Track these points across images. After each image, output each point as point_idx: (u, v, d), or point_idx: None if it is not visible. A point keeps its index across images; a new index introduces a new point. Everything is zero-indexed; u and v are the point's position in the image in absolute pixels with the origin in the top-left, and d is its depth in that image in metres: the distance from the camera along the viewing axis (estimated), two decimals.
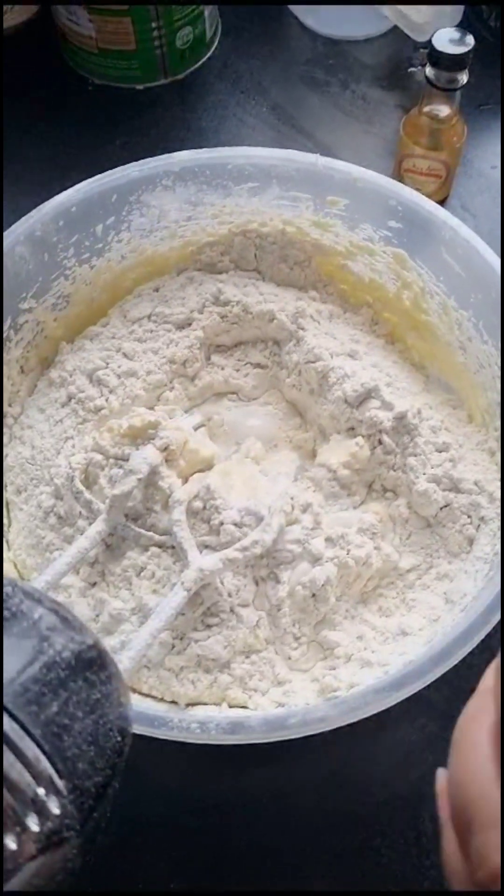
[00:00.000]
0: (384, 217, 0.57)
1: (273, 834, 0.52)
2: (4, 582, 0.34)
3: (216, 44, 0.82)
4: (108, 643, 0.49)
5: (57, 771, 0.31)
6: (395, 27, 0.79)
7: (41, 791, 0.30)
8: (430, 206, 0.55)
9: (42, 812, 0.30)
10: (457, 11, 0.74)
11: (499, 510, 0.51)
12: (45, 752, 0.30)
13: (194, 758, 0.53)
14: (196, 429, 0.57)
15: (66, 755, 0.31)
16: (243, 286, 0.60)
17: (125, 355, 0.58)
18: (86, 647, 0.34)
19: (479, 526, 0.52)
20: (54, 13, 0.77)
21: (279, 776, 0.54)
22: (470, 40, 0.61)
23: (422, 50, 0.80)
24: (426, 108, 0.66)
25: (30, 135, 0.77)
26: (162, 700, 0.49)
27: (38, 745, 0.30)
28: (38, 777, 0.30)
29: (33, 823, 0.30)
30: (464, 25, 0.75)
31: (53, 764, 0.31)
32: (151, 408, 0.57)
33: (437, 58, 0.62)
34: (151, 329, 0.59)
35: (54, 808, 0.30)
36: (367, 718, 0.43)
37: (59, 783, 0.31)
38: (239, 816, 0.52)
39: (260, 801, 0.53)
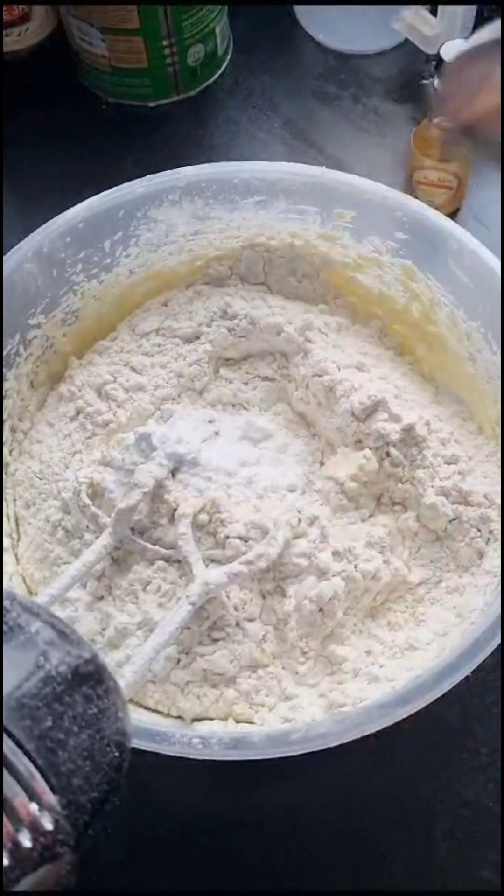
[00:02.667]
0: (391, 229, 0.56)
1: (282, 851, 0.52)
2: (4, 595, 0.34)
3: (228, 60, 0.82)
4: (114, 657, 0.49)
5: (50, 786, 0.30)
6: (407, 41, 0.79)
7: (34, 807, 0.30)
8: (437, 217, 0.55)
9: (35, 828, 0.30)
10: (468, 22, 0.74)
11: None
12: (38, 768, 0.30)
13: (203, 775, 0.52)
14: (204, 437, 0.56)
15: (61, 770, 0.31)
16: (251, 299, 0.60)
17: (133, 369, 0.58)
18: (83, 662, 0.33)
19: (488, 539, 0.51)
20: (68, 33, 0.78)
21: (290, 793, 0.53)
22: None
23: (433, 62, 0.80)
24: (436, 120, 0.66)
25: (45, 152, 0.78)
26: (168, 715, 0.49)
27: (32, 761, 0.30)
28: (31, 792, 0.30)
29: (26, 839, 0.30)
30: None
31: (47, 779, 0.30)
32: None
33: (445, 69, 0.62)
34: (159, 343, 0.59)
35: (47, 823, 0.30)
36: (378, 735, 0.43)
37: (53, 799, 0.30)
38: (248, 833, 0.52)
39: (270, 819, 0.52)
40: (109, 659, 0.49)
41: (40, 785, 0.30)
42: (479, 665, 0.43)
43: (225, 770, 0.50)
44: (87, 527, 0.52)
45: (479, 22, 0.75)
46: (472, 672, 0.44)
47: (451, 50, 0.61)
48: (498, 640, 0.43)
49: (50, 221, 0.56)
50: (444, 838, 0.52)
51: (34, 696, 0.31)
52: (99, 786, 0.32)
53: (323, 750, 0.42)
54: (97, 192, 0.57)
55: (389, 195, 0.56)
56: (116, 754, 0.33)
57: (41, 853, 0.30)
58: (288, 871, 0.51)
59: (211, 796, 0.52)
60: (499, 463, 0.54)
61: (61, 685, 0.32)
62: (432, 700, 0.42)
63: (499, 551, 0.50)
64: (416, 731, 0.52)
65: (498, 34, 0.48)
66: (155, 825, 0.52)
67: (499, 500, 0.52)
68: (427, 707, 0.43)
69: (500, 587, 0.47)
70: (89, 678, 0.33)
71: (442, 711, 0.54)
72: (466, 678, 0.44)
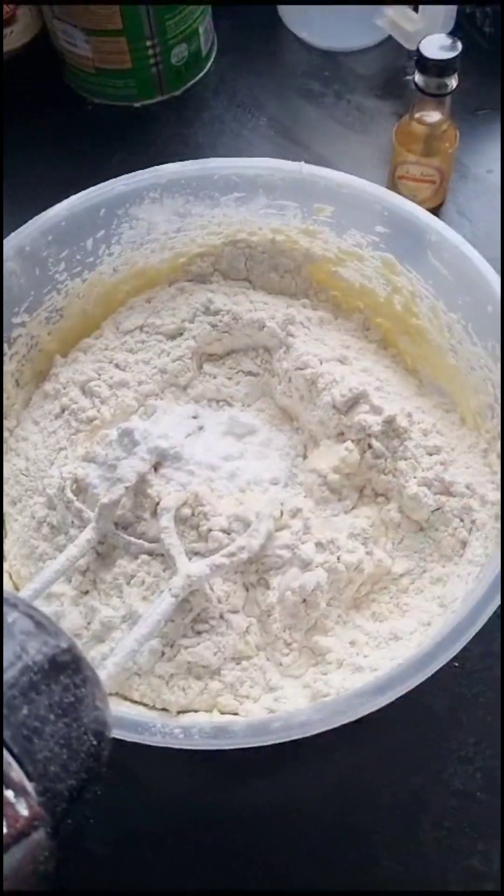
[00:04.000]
0: (371, 222, 0.57)
1: (274, 843, 0.52)
2: None
3: (212, 60, 0.83)
4: (100, 651, 0.49)
5: (26, 773, 0.31)
6: (390, 37, 0.79)
7: (10, 793, 0.30)
8: (416, 210, 0.55)
9: (11, 814, 0.30)
10: (449, 19, 0.74)
11: (490, 513, 0.51)
12: (14, 755, 0.31)
13: (193, 770, 0.53)
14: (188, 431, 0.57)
15: (37, 758, 0.31)
16: (233, 295, 0.60)
17: (117, 366, 0.58)
18: (60, 651, 0.34)
19: (471, 529, 0.51)
20: (52, 35, 0.78)
21: (279, 786, 0.53)
22: (458, 45, 0.61)
23: (415, 58, 0.81)
24: (417, 115, 0.66)
25: (30, 154, 0.78)
26: (153, 708, 0.49)
27: (7, 748, 0.31)
28: (7, 780, 0.30)
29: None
30: (457, 32, 0.75)
31: (23, 766, 0.31)
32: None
33: (425, 64, 0.62)
34: (143, 340, 0.59)
35: (23, 810, 0.30)
36: (365, 727, 0.43)
37: (29, 786, 0.31)
38: (238, 828, 0.52)
39: (261, 811, 0.53)
40: (95, 652, 0.49)
41: (16, 772, 0.30)
42: (465, 655, 0.44)
43: (214, 765, 0.51)
44: (73, 522, 0.52)
45: (461, 17, 0.75)
46: (459, 662, 0.44)
47: (431, 45, 0.62)
48: (478, 628, 0.43)
49: (31, 220, 0.56)
50: (433, 828, 0.52)
51: (11, 686, 0.32)
52: (76, 774, 0.32)
53: (311, 743, 0.42)
54: None
55: (368, 189, 0.56)
56: (94, 742, 0.33)
57: (17, 840, 0.30)
58: (278, 865, 0.51)
59: (200, 791, 0.53)
60: (481, 453, 0.54)
61: (38, 674, 0.32)
62: (413, 687, 0.42)
63: (481, 540, 0.50)
64: (403, 722, 0.53)
65: None
66: (144, 821, 0.52)
67: (480, 490, 0.52)
68: (414, 698, 0.43)
69: (479, 576, 0.47)
70: (66, 667, 0.33)
71: (429, 702, 0.54)
72: (453, 668, 0.44)
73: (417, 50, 0.62)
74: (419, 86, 0.64)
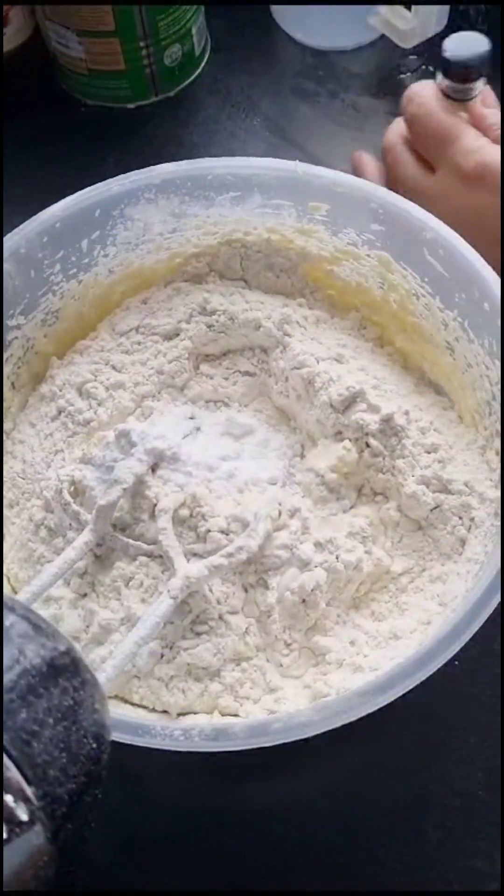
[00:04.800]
0: (366, 221, 0.57)
1: (275, 844, 0.52)
2: None
3: (206, 60, 0.83)
4: (99, 654, 0.49)
5: (25, 777, 0.30)
6: (383, 36, 0.79)
7: (9, 798, 0.30)
8: (410, 207, 0.55)
9: (10, 819, 0.30)
10: (442, 17, 0.74)
11: (489, 510, 0.51)
12: (12, 759, 0.30)
13: (194, 773, 0.53)
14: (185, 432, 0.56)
15: (36, 761, 0.31)
16: (229, 295, 0.60)
17: (114, 367, 0.58)
18: (58, 654, 0.33)
19: (469, 527, 0.51)
20: (45, 37, 0.78)
21: (281, 788, 0.53)
22: (484, 43, 0.58)
23: (410, 57, 0.81)
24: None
25: (25, 157, 0.78)
26: (153, 710, 0.49)
27: (6, 752, 0.30)
28: (6, 784, 0.30)
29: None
30: (450, 30, 0.75)
31: (21, 770, 0.30)
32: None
33: (449, 66, 0.59)
34: (139, 341, 0.59)
35: (22, 814, 0.30)
36: (367, 726, 0.42)
37: (28, 790, 0.30)
38: (239, 828, 0.52)
39: (261, 813, 0.53)
40: (94, 655, 0.49)
41: (15, 776, 0.30)
42: (465, 654, 0.44)
43: (214, 767, 0.50)
44: (70, 525, 0.52)
45: (454, 15, 0.75)
46: (459, 661, 0.44)
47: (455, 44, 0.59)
48: (478, 626, 0.43)
49: (26, 222, 0.56)
50: (436, 829, 0.52)
51: (10, 689, 0.31)
52: (76, 777, 0.32)
53: (312, 744, 0.42)
54: None
55: (362, 187, 0.56)
56: (94, 746, 0.33)
57: (16, 844, 0.30)
58: (280, 866, 0.51)
59: (201, 794, 0.53)
60: (479, 450, 0.54)
61: (36, 677, 0.32)
62: (413, 686, 0.42)
63: (480, 538, 0.50)
64: (403, 721, 0.53)
65: None
66: (146, 825, 0.52)
67: (479, 488, 0.52)
68: (415, 697, 0.43)
69: (479, 574, 0.47)
70: (65, 670, 0.33)
71: (429, 701, 0.54)
72: (454, 667, 0.44)
73: (432, 53, 0.60)
74: (446, 92, 0.61)
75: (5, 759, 0.30)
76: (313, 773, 0.53)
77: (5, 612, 0.34)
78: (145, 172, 0.57)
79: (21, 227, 0.56)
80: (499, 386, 0.51)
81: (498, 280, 0.51)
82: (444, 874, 0.51)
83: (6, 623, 0.34)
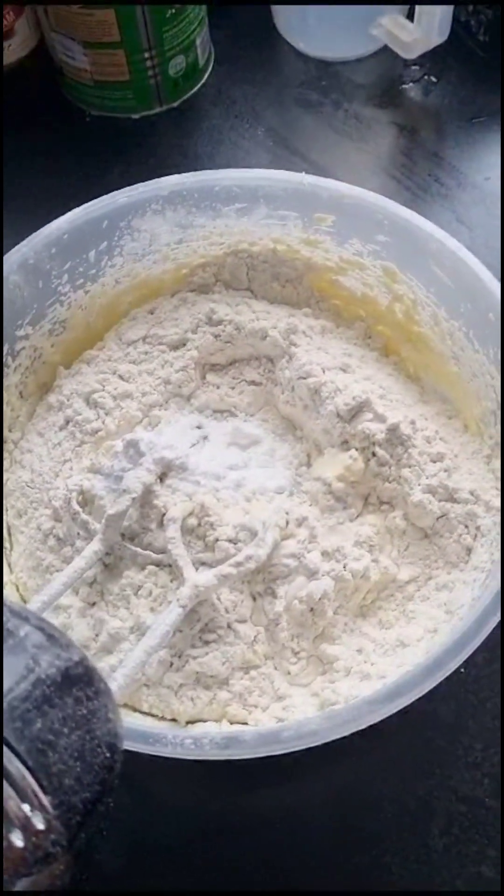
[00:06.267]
0: (372, 231, 0.57)
1: (283, 850, 0.52)
2: None
3: (210, 71, 0.83)
4: (108, 662, 0.49)
5: (41, 786, 0.31)
6: (386, 46, 0.80)
7: (26, 807, 0.30)
8: (416, 218, 0.55)
9: (27, 828, 0.30)
10: (444, 27, 0.75)
11: (495, 519, 0.51)
12: (29, 769, 0.31)
13: (202, 779, 0.53)
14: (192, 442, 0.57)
15: (52, 771, 0.31)
16: (235, 305, 0.60)
17: (121, 377, 0.59)
18: (72, 664, 0.34)
19: (475, 535, 0.52)
20: (50, 48, 0.79)
21: (287, 794, 0.53)
22: None
23: (412, 67, 0.81)
24: None
25: (30, 168, 0.79)
26: (162, 718, 0.49)
27: (23, 761, 0.31)
28: (22, 793, 0.30)
29: (18, 840, 0.30)
30: (452, 41, 0.76)
31: (38, 779, 0.31)
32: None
33: None
34: (146, 351, 0.60)
35: (39, 823, 0.30)
36: (372, 734, 0.43)
37: (44, 799, 0.31)
38: (248, 834, 0.52)
39: (269, 819, 0.53)
40: (104, 664, 0.49)
41: (31, 785, 0.30)
42: (471, 661, 0.44)
43: (223, 773, 0.51)
44: (79, 534, 0.53)
45: (455, 26, 0.76)
46: (465, 668, 0.45)
47: None
48: (485, 635, 0.43)
49: (35, 234, 0.57)
50: (441, 835, 0.52)
51: (24, 699, 0.32)
52: (91, 786, 0.32)
53: (318, 751, 0.42)
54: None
55: (368, 198, 0.56)
56: (108, 755, 0.34)
57: (33, 853, 0.30)
58: (287, 871, 0.51)
59: (209, 800, 0.53)
60: (484, 460, 0.54)
61: (51, 687, 0.32)
62: (421, 695, 0.43)
63: (486, 546, 0.51)
64: (409, 728, 0.53)
65: None
66: (155, 830, 0.52)
67: (484, 497, 0.52)
68: (421, 704, 0.43)
69: (485, 582, 0.47)
70: (79, 680, 0.34)
71: (435, 708, 0.54)
72: (459, 674, 0.44)
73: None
74: None
75: (22, 768, 0.31)
76: (319, 780, 0.53)
77: (20, 622, 0.34)
78: (152, 184, 0.58)
79: (29, 238, 0.56)
80: None
81: None
82: (449, 880, 0.51)
83: (21, 633, 0.34)
